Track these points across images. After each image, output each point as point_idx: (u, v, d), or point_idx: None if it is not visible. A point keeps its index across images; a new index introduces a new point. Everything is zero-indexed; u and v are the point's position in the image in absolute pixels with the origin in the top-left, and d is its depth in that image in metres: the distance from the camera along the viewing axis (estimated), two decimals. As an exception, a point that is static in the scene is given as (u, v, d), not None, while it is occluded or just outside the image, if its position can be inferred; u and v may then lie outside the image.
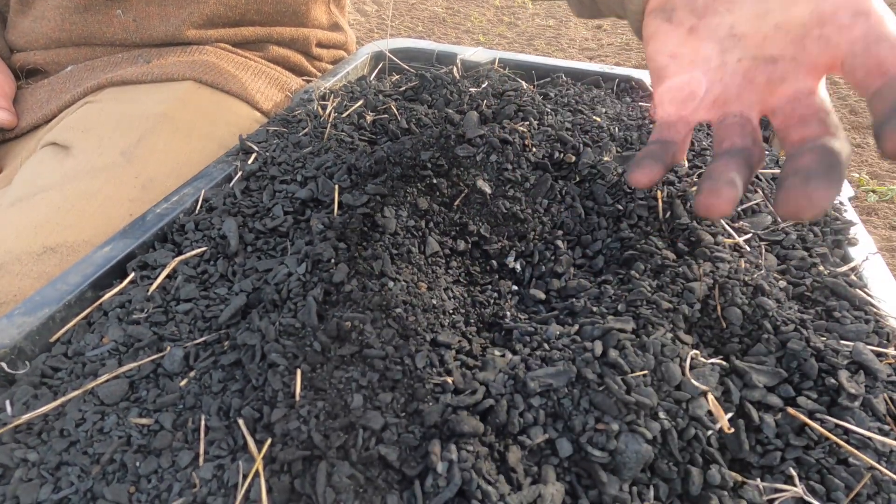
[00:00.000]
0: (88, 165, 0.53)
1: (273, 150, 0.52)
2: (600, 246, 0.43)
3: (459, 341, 0.35)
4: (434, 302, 0.37)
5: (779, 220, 0.44)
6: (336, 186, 0.43)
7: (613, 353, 0.30)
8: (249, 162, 0.50)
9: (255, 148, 0.52)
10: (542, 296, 0.40)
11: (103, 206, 0.50)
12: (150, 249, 0.42)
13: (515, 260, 0.43)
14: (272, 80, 0.70)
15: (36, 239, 0.47)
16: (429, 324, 0.35)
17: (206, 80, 0.64)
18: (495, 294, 0.41)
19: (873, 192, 1.38)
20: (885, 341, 0.34)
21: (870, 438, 0.28)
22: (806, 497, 0.27)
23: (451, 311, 0.38)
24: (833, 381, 0.31)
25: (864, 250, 0.43)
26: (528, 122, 0.53)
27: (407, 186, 0.44)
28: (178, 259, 0.40)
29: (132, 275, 0.39)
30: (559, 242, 0.43)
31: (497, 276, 0.43)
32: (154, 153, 0.55)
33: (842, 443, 0.28)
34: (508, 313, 0.39)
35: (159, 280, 0.38)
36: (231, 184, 0.48)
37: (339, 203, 0.43)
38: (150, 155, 0.55)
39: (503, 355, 0.33)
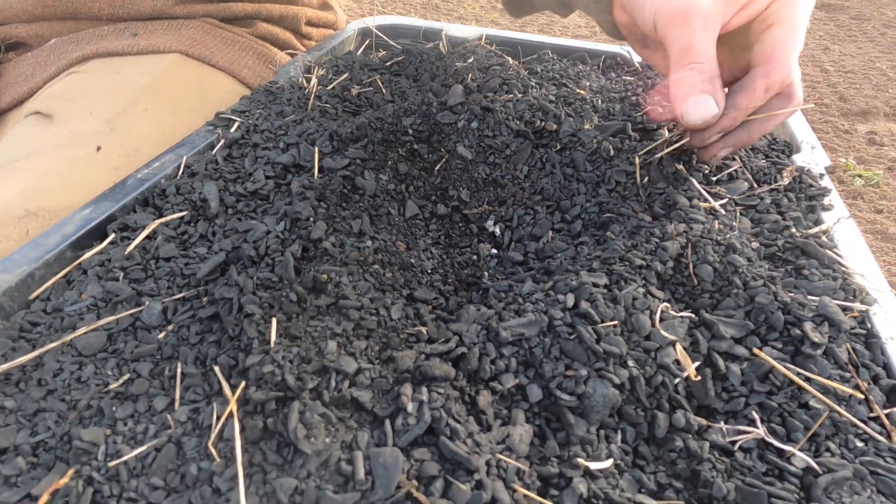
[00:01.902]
0: (72, 133, 0.53)
1: (256, 118, 0.52)
2: (579, 210, 0.44)
3: (435, 298, 0.36)
4: (412, 261, 0.38)
5: (755, 186, 0.45)
6: (316, 150, 0.43)
7: (585, 305, 0.31)
8: (232, 130, 0.50)
9: (237, 118, 0.52)
10: (521, 257, 0.41)
11: (86, 174, 0.50)
12: (131, 213, 0.42)
13: (495, 224, 0.44)
14: (260, 56, 0.70)
15: (18, 203, 0.47)
16: (406, 281, 0.36)
17: (192, 54, 0.63)
18: (474, 256, 0.41)
19: (859, 176, 1.40)
20: (851, 297, 0.35)
21: (830, 381, 0.29)
22: (767, 438, 0.28)
23: (429, 271, 0.38)
24: (798, 331, 0.31)
25: (837, 216, 0.43)
26: (511, 95, 0.54)
27: (388, 151, 0.44)
28: (158, 221, 0.40)
29: (112, 236, 0.40)
30: (538, 207, 0.44)
31: (476, 240, 0.43)
32: (139, 123, 0.55)
33: (802, 383, 0.29)
34: (486, 273, 0.39)
35: (139, 239, 0.38)
36: (214, 151, 0.48)
37: (320, 167, 0.43)
38: (134, 125, 0.55)
39: (478, 310, 0.34)
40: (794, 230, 0.40)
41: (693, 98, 0.36)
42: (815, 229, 0.41)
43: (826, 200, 0.45)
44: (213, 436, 0.26)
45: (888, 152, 1.49)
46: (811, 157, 0.51)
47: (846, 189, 1.33)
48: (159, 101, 0.57)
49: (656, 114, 0.49)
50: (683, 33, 0.36)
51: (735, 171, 0.46)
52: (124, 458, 0.26)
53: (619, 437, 0.29)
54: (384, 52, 0.71)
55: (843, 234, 0.41)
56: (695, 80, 0.36)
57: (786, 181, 0.46)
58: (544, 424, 0.28)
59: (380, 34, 0.76)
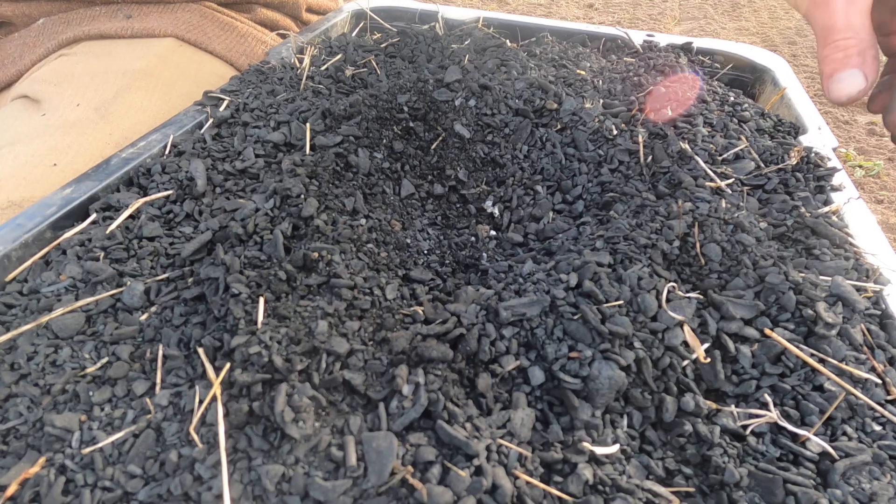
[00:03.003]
0: (60, 120, 0.51)
1: (246, 97, 0.50)
2: (581, 191, 0.42)
3: (432, 279, 0.34)
4: (408, 241, 0.36)
5: (762, 166, 0.44)
6: (308, 128, 0.42)
7: (588, 284, 0.30)
8: (221, 109, 0.49)
9: (226, 97, 0.51)
10: (520, 238, 0.39)
11: (73, 163, 0.48)
12: (114, 192, 0.41)
13: (494, 205, 0.42)
14: (259, 43, 0.68)
15: (1, 194, 0.45)
16: (401, 261, 0.34)
17: (188, 39, 0.61)
18: (473, 238, 0.40)
19: (860, 167, 1.39)
20: (864, 277, 0.33)
21: (844, 365, 0.28)
22: (780, 421, 0.26)
23: (425, 252, 0.37)
24: (810, 311, 0.30)
25: (847, 196, 0.42)
26: (510, 74, 0.52)
27: (383, 129, 0.42)
28: (142, 200, 0.38)
29: (94, 216, 0.38)
30: (539, 188, 0.42)
31: (475, 221, 0.41)
32: (130, 110, 0.53)
33: (816, 365, 0.27)
34: (485, 255, 0.38)
35: (121, 219, 0.36)
36: (202, 130, 0.47)
37: (312, 145, 0.41)
38: (125, 112, 0.53)
39: (477, 290, 0.32)
40: (803, 210, 0.39)
41: (837, 75, 0.36)
42: (825, 209, 0.39)
43: (835, 180, 0.44)
44: (195, 420, 0.24)
45: (888, 143, 1.48)
46: (818, 138, 0.49)
47: (846, 179, 1.32)
48: (153, 87, 0.55)
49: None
50: (824, 13, 0.36)
51: (741, 150, 0.45)
52: (100, 445, 0.24)
53: (625, 421, 0.27)
54: (379, 35, 0.69)
55: (854, 213, 0.40)
56: (836, 56, 0.36)
57: (793, 161, 0.44)
58: (547, 408, 0.27)
59: (374, 16, 0.74)
